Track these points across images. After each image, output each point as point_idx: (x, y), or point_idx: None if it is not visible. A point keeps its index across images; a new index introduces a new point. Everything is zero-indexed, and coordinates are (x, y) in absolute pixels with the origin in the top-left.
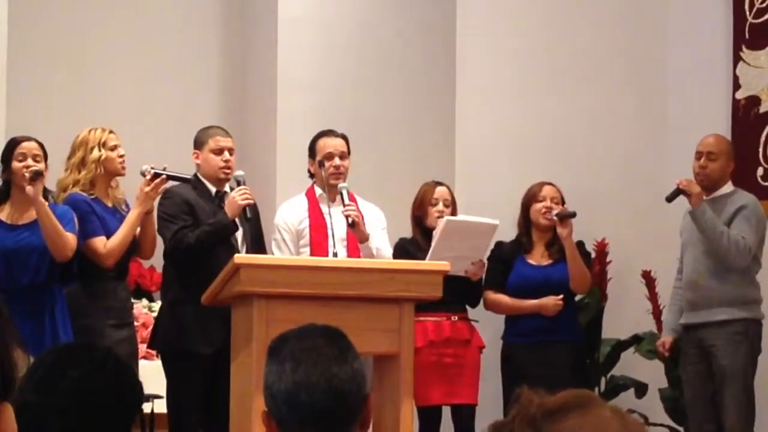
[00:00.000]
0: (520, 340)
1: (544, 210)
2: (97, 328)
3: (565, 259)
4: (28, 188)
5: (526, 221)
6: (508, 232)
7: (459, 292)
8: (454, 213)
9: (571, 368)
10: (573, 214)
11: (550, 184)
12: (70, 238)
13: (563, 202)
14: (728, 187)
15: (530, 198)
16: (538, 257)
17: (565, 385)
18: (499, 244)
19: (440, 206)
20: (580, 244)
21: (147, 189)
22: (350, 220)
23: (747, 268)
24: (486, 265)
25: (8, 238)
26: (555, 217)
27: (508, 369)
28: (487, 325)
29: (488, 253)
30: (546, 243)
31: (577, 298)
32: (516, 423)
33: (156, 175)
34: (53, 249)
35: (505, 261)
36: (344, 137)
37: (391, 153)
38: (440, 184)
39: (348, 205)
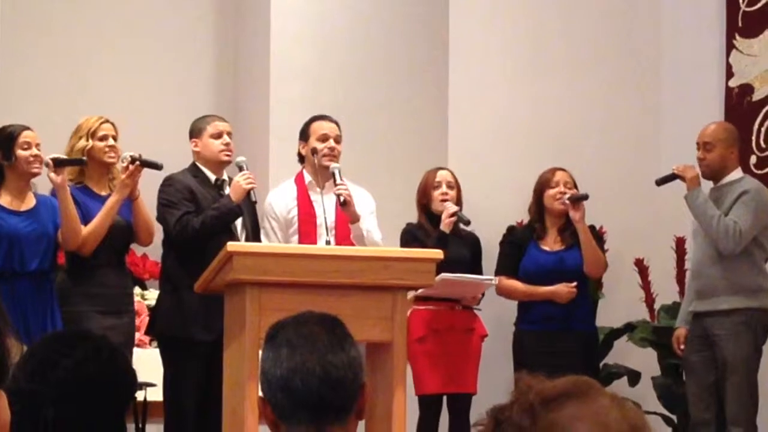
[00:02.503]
0: (534, 327)
1: (558, 195)
2: (79, 314)
3: (578, 244)
4: (52, 175)
5: (539, 207)
6: (503, 219)
7: None
8: (459, 194)
9: (584, 357)
10: (585, 197)
11: (561, 169)
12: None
13: (576, 187)
14: (736, 174)
15: (543, 184)
16: (551, 243)
17: (577, 373)
18: (511, 229)
19: (444, 188)
20: (592, 228)
21: (122, 176)
22: (342, 198)
23: (750, 255)
24: (480, 299)
25: (16, 223)
26: (567, 201)
27: (520, 357)
28: (491, 313)
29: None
30: (559, 228)
31: None
32: (514, 410)
33: (132, 162)
34: (69, 236)
35: (518, 246)
36: (337, 123)
37: (384, 140)
38: (442, 168)
39: (339, 183)
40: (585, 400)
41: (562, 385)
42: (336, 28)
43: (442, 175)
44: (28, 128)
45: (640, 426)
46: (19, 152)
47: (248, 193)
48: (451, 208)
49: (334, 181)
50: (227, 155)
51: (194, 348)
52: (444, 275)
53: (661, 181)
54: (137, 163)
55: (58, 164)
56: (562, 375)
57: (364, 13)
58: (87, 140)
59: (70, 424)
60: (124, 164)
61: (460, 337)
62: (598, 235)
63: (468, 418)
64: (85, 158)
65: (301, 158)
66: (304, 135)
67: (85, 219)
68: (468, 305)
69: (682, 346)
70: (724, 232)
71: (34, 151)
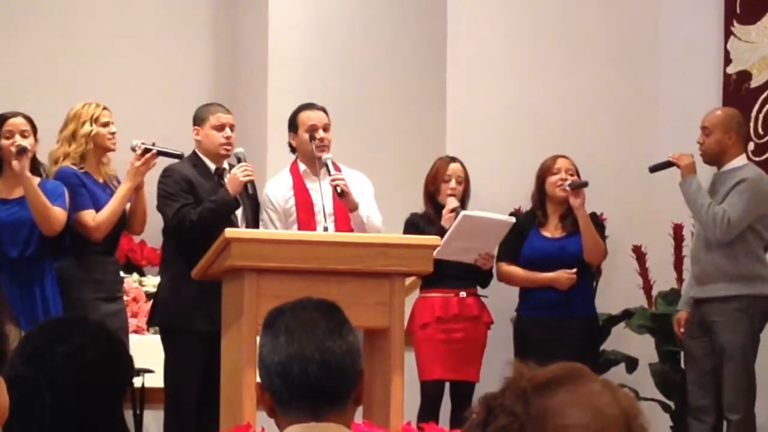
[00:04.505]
0: (534, 313)
1: (559, 182)
2: (87, 301)
3: (579, 231)
4: (14, 163)
5: (540, 194)
6: (501, 207)
7: (470, 270)
8: (467, 189)
9: (584, 342)
10: (585, 184)
11: (563, 156)
12: (59, 213)
13: (578, 174)
14: (739, 161)
15: (545, 171)
16: (553, 230)
17: (577, 360)
18: (512, 216)
19: (452, 183)
20: (594, 215)
21: (137, 164)
22: (339, 189)
23: (746, 242)
24: (494, 258)
25: None
26: (568, 188)
27: (521, 343)
28: (494, 300)
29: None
30: (560, 215)
31: None
32: (506, 396)
33: (146, 151)
34: (40, 224)
35: (518, 232)
36: (324, 110)
37: (383, 128)
38: (454, 160)
39: (335, 174)
40: (577, 385)
41: (554, 371)
42: (334, 16)
43: (453, 169)
44: (16, 115)
45: (632, 410)
46: (2, 141)
47: (246, 185)
48: (452, 203)
49: (328, 171)
50: (226, 149)
51: (195, 337)
52: (464, 212)
53: (655, 168)
54: (154, 151)
55: (18, 152)
56: (563, 361)
57: (363, 2)
58: (91, 125)
59: (68, 409)
60: (138, 152)
61: (465, 325)
62: (599, 223)
63: (470, 406)
64: (27, 146)
65: (293, 148)
66: (293, 126)
67: (95, 205)
68: (484, 267)
69: (682, 329)
70: (712, 220)
71: (17, 139)
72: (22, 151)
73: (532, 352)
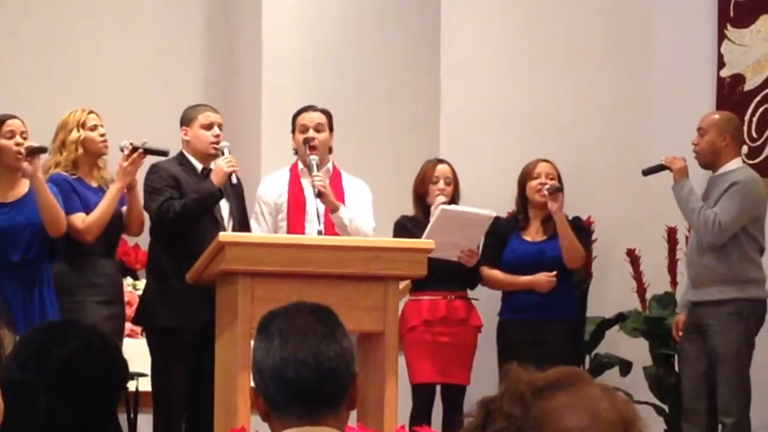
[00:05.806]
0: (515, 316)
1: (538, 186)
2: (83, 304)
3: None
4: (25, 165)
5: (522, 199)
6: (494, 209)
7: (459, 272)
8: (456, 191)
9: (566, 345)
10: (559, 188)
11: (545, 160)
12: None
13: (560, 178)
14: (734, 164)
15: (526, 175)
16: (533, 233)
17: (559, 362)
18: (496, 220)
19: (441, 184)
20: (577, 219)
21: (125, 164)
22: (316, 190)
23: (739, 245)
24: (478, 254)
25: None
26: (546, 192)
27: (503, 345)
28: (487, 303)
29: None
30: (542, 220)
31: None
32: (505, 400)
33: (134, 150)
34: (50, 224)
35: (500, 237)
36: (325, 112)
37: (376, 128)
38: (442, 161)
39: (315, 175)
40: (576, 389)
41: (553, 375)
42: (328, 15)
43: (440, 170)
44: (14, 117)
45: (630, 415)
46: (2, 141)
47: (230, 177)
48: (439, 200)
49: (310, 171)
50: (216, 148)
51: (180, 337)
52: (443, 206)
53: (648, 172)
54: (140, 150)
55: (30, 153)
56: (545, 363)
57: (357, 1)
58: (78, 131)
59: (63, 413)
60: (126, 152)
61: (454, 328)
62: (582, 227)
63: (462, 409)
64: (46, 146)
65: (296, 151)
66: (292, 128)
67: (85, 209)
68: (467, 264)
69: (680, 333)
70: (703, 224)
71: (18, 139)
72: (35, 151)
73: (512, 354)
